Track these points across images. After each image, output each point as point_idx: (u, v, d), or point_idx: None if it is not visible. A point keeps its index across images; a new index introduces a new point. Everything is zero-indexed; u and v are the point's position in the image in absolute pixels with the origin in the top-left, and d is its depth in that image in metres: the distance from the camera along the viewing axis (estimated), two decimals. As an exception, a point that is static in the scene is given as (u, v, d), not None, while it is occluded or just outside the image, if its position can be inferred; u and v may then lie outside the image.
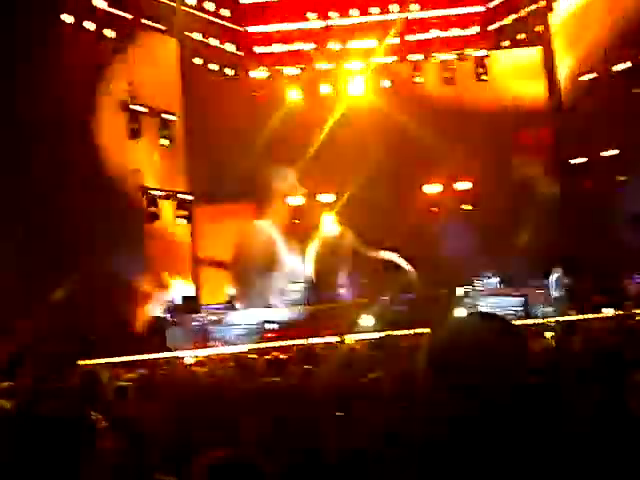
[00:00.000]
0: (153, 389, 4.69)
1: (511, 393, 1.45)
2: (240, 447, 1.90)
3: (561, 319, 13.15)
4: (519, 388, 1.48)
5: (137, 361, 11.11)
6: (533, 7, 18.60)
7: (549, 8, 18.56)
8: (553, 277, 16.74)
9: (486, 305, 16.84)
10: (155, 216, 17.58)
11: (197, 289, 19.62)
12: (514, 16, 18.98)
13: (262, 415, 3.13)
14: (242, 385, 4.28)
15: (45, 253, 14.07)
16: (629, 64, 17.16)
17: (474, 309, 16.43)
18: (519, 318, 15.31)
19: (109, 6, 16.76)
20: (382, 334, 11.76)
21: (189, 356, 11.77)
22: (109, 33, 16.82)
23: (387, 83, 19.59)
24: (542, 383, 2.38)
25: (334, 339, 13.99)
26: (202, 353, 12.83)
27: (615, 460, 2.14)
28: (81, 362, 9.48)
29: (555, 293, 16.48)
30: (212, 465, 1.87)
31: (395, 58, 19.57)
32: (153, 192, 17.58)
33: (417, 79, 19.44)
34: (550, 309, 16.01)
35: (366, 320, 16.52)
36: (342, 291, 19.09)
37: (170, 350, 14.16)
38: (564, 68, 19.04)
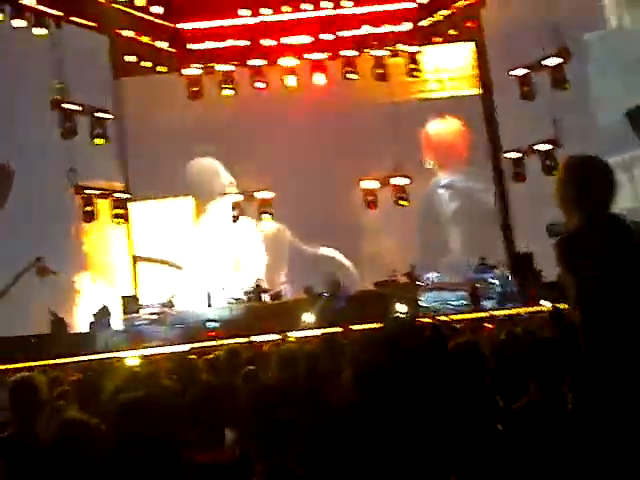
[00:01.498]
0: (95, 392, 4.63)
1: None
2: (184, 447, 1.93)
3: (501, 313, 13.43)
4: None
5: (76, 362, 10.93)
6: (463, 3, 18.91)
7: (481, 3, 18.91)
8: (498, 272, 17.17)
9: (426, 300, 17.09)
10: (91, 215, 17.31)
11: (135, 288, 19.42)
12: (445, 12, 19.25)
13: (206, 416, 3.15)
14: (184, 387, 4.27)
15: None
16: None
17: (414, 304, 16.67)
18: (460, 312, 15.60)
19: (38, 3, 16.35)
20: (323, 331, 11.89)
21: (129, 356, 11.61)
22: (38, 31, 16.41)
23: (321, 79, 19.65)
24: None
25: (277, 337, 14.04)
26: (142, 353, 12.66)
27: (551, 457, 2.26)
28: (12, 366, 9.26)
29: (499, 288, 16.84)
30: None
31: (328, 54, 19.63)
32: (89, 191, 17.28)
33: (350, 75, 19.56)
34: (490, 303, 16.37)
35: (308, 317, 16.61)
36: (283, 288, 19.11)
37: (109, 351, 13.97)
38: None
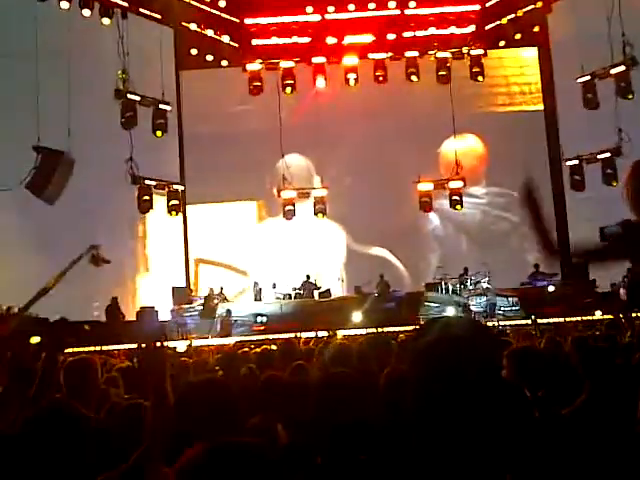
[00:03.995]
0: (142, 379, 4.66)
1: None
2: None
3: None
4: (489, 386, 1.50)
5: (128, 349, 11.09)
6: (530, 7, 18.57)
7: (547, 9, 18.54)
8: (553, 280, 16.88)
9: (477, 304, 16.89)
10: (148, 205, 17.51)
11: (188, 280, 19.64)
12: (511, 16, 18.95)
13: (258, 408, 3.13)
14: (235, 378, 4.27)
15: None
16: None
17: (465, 308, 16.49)
18: (509, 318, 15.36)
19: (105, -7, 16.66)
20: (373, 330, 11.83)
21: (180, 346, 11.73)
22: (105, 21, 16.71)
23: (381, 79, 19.53)
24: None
25: (324, 333, 14.02)
26: (192, 344, 12.77)
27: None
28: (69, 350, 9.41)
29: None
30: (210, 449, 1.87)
31: (391, 54, 19.51)
32: (147, 182, 17.47)
33: (412, 77, 19.40)
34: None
35: (356, 316, 16.56)
36: (333, 286, 19.08)
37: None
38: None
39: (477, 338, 1.52)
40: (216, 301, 17.35)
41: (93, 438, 2.60)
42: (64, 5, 15.61)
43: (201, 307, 17.28)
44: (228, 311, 16.89)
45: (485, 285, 17.50)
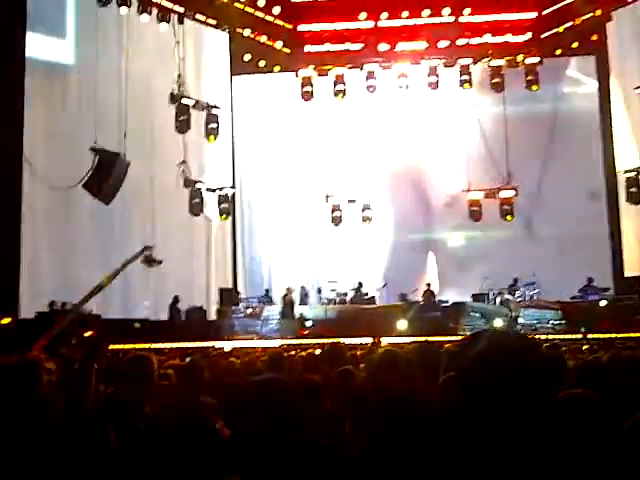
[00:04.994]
0: (196, 376, 4.77)
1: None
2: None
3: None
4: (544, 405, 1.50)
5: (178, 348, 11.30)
6: (589, 15, 18.27)
7: (607, 17, 18.20)
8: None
9: (525, 317, 16.63)
10: (199, 208, 17.73)
11: (235, 282, 19.83)
12: (568, 24, 18.68)
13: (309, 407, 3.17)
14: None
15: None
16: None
17: (512, 321, 16.26)
18: (557, 332, 15.06)
19: (163, -1, 17.00)
20: (419, 339, 11.76)
21: (226, 347, 11.89)
22: (163, 26, 17.04)
23: (434, 85, 19.42)
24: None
25: (369, 340, 14.00)
26: (237, 345, 12.92)
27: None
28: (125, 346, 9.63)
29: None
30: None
31: (444, 61, 19.41)
32: (198, 185, 17.70)
33: (465, 85, 19.26)
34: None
35: (401, 324, 16.48)
36: (378, 293, 19.04)
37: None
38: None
39: (528, 353, 1.53)
40: (294, 301, 17.39)
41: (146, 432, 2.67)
42: (123, 11, 15.96)
43: (281, 308, 17.31)
44: (301, 314, 17.02)
45: (532, 296, 17.27)
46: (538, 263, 17.62)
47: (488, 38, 19.37)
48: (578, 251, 17.83)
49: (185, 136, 17.29)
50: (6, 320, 12.67)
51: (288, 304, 17.16)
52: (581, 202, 18.67)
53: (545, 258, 18.08)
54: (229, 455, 2.13)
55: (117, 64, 15.82)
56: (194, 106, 17.58)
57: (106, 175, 12.97)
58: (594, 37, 18.76)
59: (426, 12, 19.10)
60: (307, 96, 19.61)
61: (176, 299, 16.50)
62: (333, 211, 19.40)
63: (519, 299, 17.32)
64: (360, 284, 18.65)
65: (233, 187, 19.38)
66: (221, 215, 18.57)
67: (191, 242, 18.45)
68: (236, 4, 18.41)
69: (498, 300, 17.35)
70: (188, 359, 6.21)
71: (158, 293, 16.92)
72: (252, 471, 1.95)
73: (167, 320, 16.18)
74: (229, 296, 18.29)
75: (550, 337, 13.56)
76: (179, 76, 16.73)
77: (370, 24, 19.51)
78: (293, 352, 8.09)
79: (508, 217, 18.56)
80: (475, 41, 19.37)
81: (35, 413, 3.13)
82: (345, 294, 18.51)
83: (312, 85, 19.72)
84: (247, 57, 19.50)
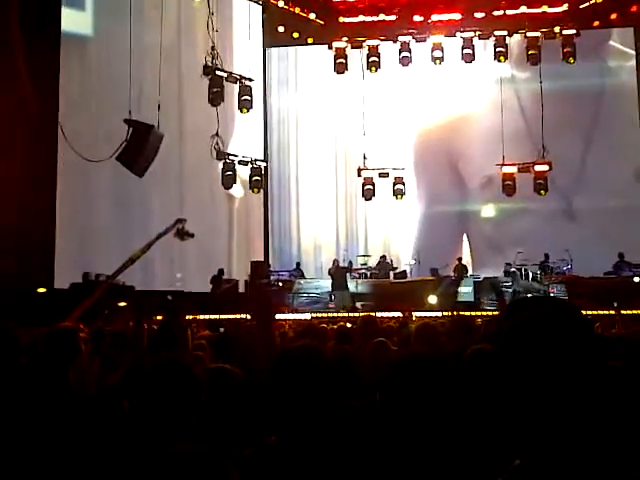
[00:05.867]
0: (227, 346, 4.84)
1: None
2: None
3: None
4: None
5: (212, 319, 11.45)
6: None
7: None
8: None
9: (554, 292, 16.48)
10: (232, 180, 17.76)
11: (266, 255, 19.92)
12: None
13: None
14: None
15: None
16: None
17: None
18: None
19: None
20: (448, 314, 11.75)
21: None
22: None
23: (468, 58, 19.09)
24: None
25: (399, 314, 14.02)
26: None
27: None
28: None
29: None
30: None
31: (479, 32, 19.07)
32: (231, 157, 17.72)
33: (501, 58, 18.92)
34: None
35: (432, 298, 16.48)
36: (410, 267, 19.02)
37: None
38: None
39: (570, 318, 1.51)
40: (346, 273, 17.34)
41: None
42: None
43: (331, 280, 17.32)
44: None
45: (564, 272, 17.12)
46: (575, 240, 17.42)
47: (524, 9, 18.99)
48: (616, 229, 17.60)
49: (219, 108, 17.26)
50: (42, 290, 12.93)
51: (340, 275, 17.07)
52: (624, 181, 18.40)
53: (582, 236, 17.87)
54: (264, 417, 2.16)
55: (153, 34, 15.75)
56: (227, 79, 17.50)
57: (140, 148, 13.00)
58: (634, 8, 18.31)
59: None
60: (341, 68, 19.42)
61: (221, 272, 16.70)
62: (364, 185, 19.27)
63: (551, 274, 17.19)
64: (383, 257, 18.61)
65: (265, 160, 19.39)
66: (253, 189, 18.58)
67: (223, 215, 18.57)
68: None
69: (531, 275, 17.22)
70: (221, 329, 6.29)
71: (189, 266, 17.10)
72: (286, 432, 1.97)
73: (202, 292, 16.33)
74: (260, 268, 18.37)
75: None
76: (212, 47, 16.63)
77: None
78: (325, 325, 8.12)
79: (542, 192, 18.27)
80: (511, 12, 19.01)
81: (73, 382, 3.20)
82: (375, 268, 18.49)
83: (346, 57, 19.52)
84: (281, 29, 19.40)
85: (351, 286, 17.34)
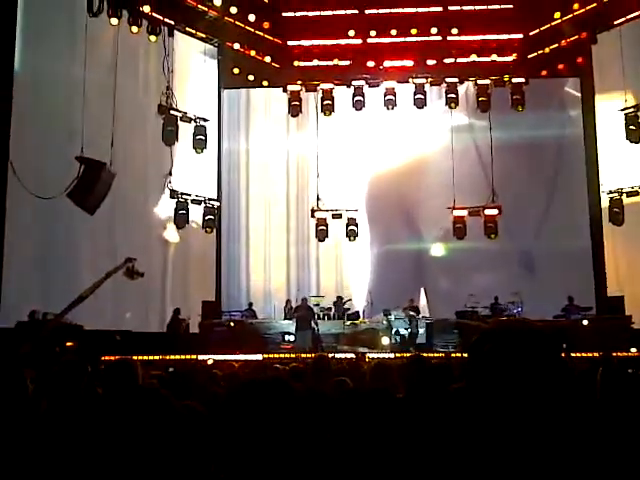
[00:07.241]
0: (180, 385, 4.74)
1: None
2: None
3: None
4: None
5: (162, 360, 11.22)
6: (574, 37, 18.54)
7: (592, 40, 18.44)
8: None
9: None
10: (185, 220, 17.68)
11: (218, 295, 19.71)
12: (554, 45, 18.93)
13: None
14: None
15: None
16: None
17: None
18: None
19: (152, 11, 16.95)
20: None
21: (209, 359, 11.81)
22: (152, 38, 17.04)
23: (420, 103, 19.52)
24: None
25: (352, 355, 14.00)
26: (220, 358, 12.84)
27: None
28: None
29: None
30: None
31: (430, 79, 19.56)
32: (184, 196, 17.66)
33: (452, 104, 19.41)
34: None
35: (384, 340, 16.55)
36: (363, 308, 19.03)
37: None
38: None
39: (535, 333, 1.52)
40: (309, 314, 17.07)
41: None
42: (114, 21, 15.94)
43: (295, 320, 17.08)
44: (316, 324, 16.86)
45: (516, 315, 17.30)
46: (526, 284, 17.70)
47: (475, 58, 19.57)
48: (561, 270, 17.96)
49: (173, 148, 17.27)
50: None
51: (307, 315, 16.92)
52: (565, 221, 18.88)
53: (534, 279, 18.19)
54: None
55: (107, 74, 15.70)
56: (182, 118, 17.57)
57: (91, 185, 12.86)
58: (579, 59, 19.02)
59: (414, 31, 19.25)
60: (295, 111, 19.67)
61: (177, 311, 16.48)
62: (318, 226, 19.35)
63: (503, 317, 17.36)
64: (340, 298, 18.62)
65: (218, 200, 19.34)
66: (206, 228, 18.48)
67: (171, 255, 18.35)
68: (226, 18, 18.46)
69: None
70: (171, 369, 6.17)
71: (138, 305, 16.82)
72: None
73: (151, 332, 16.07)
74: (212, 309, 18.20)
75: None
76: (167, 87, 16.71)
77: (359, 41, 19.65)
78: (277, 365, 8.03)
79: (492, 235, 18.60)
80: (462, 60, 19.58)
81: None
82: (329, 309, 18.45)
83: (300, 100, 19.78)
84: (236, 71, 19.55)
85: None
